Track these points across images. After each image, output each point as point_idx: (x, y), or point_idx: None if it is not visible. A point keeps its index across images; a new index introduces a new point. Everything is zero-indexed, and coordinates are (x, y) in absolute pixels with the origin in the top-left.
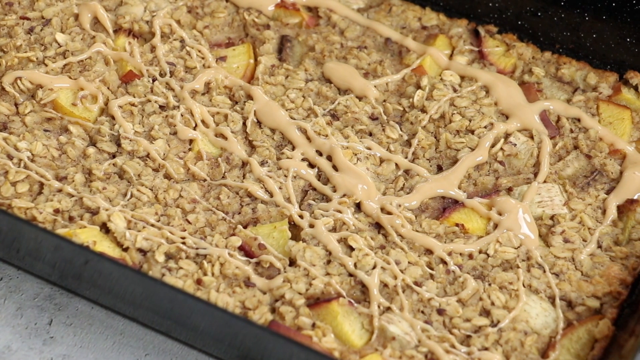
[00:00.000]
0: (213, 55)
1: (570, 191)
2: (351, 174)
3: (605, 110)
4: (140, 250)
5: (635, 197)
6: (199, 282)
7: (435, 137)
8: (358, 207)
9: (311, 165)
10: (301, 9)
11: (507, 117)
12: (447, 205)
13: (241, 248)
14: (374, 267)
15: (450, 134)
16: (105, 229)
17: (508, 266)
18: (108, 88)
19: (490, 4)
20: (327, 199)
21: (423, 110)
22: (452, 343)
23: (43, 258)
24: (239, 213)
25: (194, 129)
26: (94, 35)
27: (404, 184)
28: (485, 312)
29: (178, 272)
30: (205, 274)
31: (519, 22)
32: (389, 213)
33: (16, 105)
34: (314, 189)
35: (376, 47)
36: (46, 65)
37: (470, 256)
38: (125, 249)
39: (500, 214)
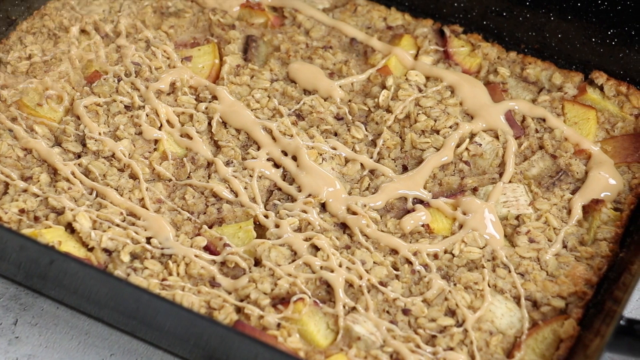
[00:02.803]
0: (178, 55)
1: (536, 191)
2: (316, 174)
3: (571, 110)
4: (105, 250)
5: (601, 197)
6: (164, 282)
7: (401, 137)
8: (323, 207)
9: (276, 165)
10: (266, 9)
11: (472, 117)
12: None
13: (206, 248)
14: (339, 267)
15: (416, 134)
16: (70, 229)
17: (473, 266)
18: (73, 88)
19: (456, 4)
20: (293, 199)
21: (388, 110)
22: (417, 343)
23: (8, 258)
24: (204, 213)
25: (159, 129)
26: (59, 35)
27: (369, 184)
28: (451, 312)
29: (143, 272)
30: (170, 274)
31: (484, 22)
32: (354, 213)
33: None
34: (279, 189)
35: (341, 47)
36: (11, 65)
37: (436, 256)
38: (91, 249)
39: (465, 214)
